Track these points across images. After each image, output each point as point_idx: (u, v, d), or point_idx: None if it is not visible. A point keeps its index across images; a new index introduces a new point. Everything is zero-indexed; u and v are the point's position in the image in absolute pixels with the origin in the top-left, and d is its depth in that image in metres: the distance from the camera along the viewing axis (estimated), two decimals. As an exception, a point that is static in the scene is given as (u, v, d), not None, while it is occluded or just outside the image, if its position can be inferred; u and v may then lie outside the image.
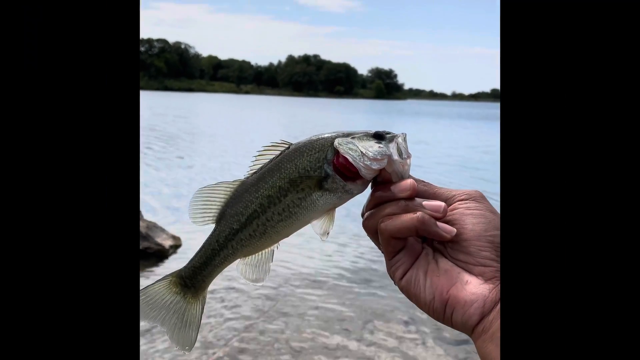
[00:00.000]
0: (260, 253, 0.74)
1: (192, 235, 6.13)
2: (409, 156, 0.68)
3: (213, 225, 0.74)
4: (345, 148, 0.68)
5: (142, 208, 6.27)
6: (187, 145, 15.17)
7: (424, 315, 4.18)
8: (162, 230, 5.80)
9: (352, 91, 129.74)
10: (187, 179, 9.71)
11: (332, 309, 4.18)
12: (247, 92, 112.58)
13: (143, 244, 5.46)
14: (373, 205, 0.69)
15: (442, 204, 0.65)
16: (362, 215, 0.71)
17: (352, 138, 0.69)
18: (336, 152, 0.68)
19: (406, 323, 4.09)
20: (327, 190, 0.69)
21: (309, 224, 0.73)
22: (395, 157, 0.67)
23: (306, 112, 43.14)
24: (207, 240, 0.74)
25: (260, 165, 0.71)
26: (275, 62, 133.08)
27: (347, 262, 5.45)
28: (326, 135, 0.70)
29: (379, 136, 0.69)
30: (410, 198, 0.66)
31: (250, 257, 0.74)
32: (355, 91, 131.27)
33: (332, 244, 5.98)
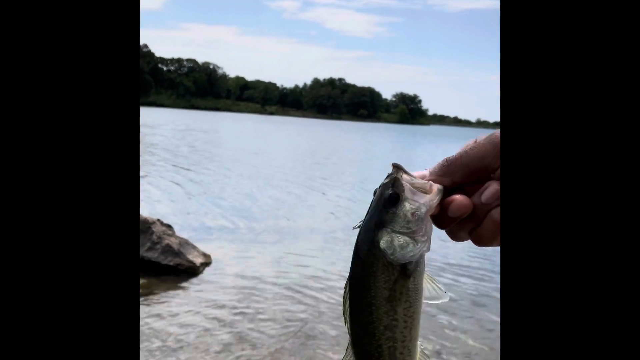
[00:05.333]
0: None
1: (222, 253, 6.20)
2: (422, 189, 0.64)
3: None
4: (391, 252, 0.63)
5: (174, 225, 6.38)
6: (220, 163, 15.37)
7: (454, 345, 4.13)
8: (194, 247, 5.89)
9: (375, 115, 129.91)
10: (221, 196, 9.83)
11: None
12: (271, 113, 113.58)
13: (175, 260, 5.54)
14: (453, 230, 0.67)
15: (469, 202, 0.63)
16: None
17: (383, 230, 0.63)
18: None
19: (437, 353, 4.04)
20: (412, 272, 0.64)
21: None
22: (423, 208, 0.63)
23: (331, 134, 43.28)
24: None
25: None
26: (300, 85, 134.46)
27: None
28: (368, 246, 0.64)
29: (391, 201, 0.63)
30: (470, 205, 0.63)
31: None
32: (379, 115, 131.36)
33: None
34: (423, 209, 0.62)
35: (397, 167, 0.64)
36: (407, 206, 0.62)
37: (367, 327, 0.64)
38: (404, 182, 0.63)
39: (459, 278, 5.96)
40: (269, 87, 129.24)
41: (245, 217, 8.38)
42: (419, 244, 0.62)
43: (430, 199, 0.63)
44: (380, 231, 0.63)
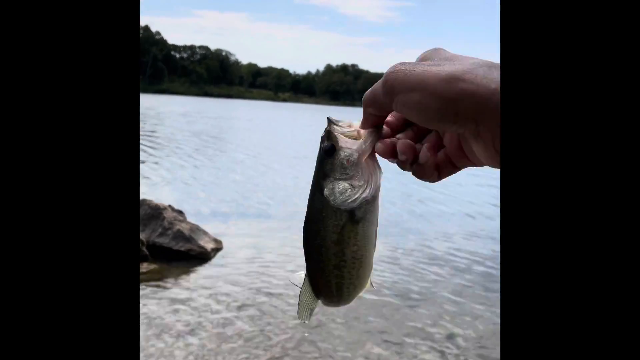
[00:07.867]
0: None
1: (234, 238, 6.22)
2: (352, 136, 0.67)
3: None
4: (333, 199, 0.68)
5: (185, 211, 6.40)
6: (231, 150, 15.41)
7: (466, 332, 4.11)
8: (205, 233, 5.91)
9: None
10: (232, 182, 9.86)
11: (371, 320, 4.15)
12: (284, 100, 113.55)
13: (186, 246, 5.57)
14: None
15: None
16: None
17: (326, 179, 0.68)
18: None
19: (448, 337, 4.02)
20: (360, 220, 0.69)
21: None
22: (355, 154, 0.66)
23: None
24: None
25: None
26: (313, 71, 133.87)
27: (387, 274, 5.41)
28: (316, 194, 0.70)
29: (328, 152, 0.68)
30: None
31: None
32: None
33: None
34: (355, 155, 0.67)
35: (330, 121, 0.69)
36: (342, 154, 0.67)
37: (318, 265, 0.71)
38: (336, 133, 0.68)
39: (471, 264, 5.92)
40: (282, 73, 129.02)
41: (256, 202, 8.40)
42: (357, 189, 0.67)
43: (360, 144, 0.67)
44: (324, 180, 0.69)
